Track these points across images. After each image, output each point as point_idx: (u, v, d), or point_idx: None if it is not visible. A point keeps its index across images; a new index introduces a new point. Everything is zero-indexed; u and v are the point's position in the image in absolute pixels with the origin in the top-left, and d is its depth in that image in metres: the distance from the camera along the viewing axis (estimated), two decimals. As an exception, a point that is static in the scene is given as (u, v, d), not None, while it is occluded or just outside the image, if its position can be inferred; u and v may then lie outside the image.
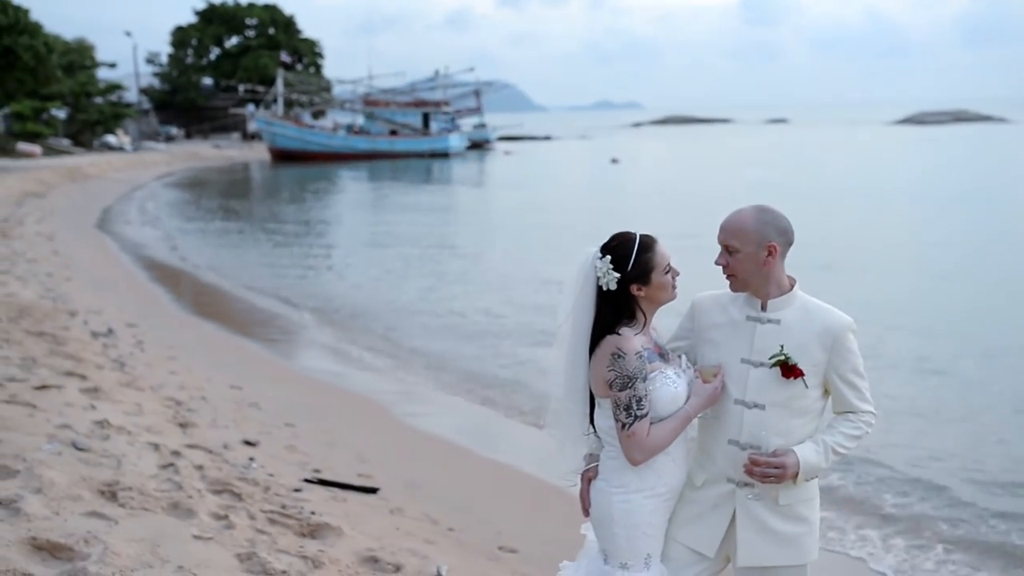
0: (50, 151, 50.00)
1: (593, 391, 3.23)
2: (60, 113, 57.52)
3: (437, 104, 70.94)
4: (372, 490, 6.48)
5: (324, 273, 19.27)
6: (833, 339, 3.11)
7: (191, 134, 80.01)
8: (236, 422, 7.79)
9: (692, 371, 3.23)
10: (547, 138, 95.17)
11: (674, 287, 3.21)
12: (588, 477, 3.32)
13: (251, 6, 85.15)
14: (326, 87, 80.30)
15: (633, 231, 3.22)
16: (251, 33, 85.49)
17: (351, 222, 29.51)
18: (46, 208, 27.59)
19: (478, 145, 73.85)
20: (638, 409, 3.08)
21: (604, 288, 3.16)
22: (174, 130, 77.55)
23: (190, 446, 6.57)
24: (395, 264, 19.94)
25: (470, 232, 25.56)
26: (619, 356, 3.10)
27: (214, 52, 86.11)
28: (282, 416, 8.31)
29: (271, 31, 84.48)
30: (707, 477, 3.22)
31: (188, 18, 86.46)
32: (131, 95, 75.52)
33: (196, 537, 4.82)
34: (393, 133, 67.27)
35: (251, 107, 73.01)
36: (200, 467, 6.05)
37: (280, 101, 68.92)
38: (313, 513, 5.53)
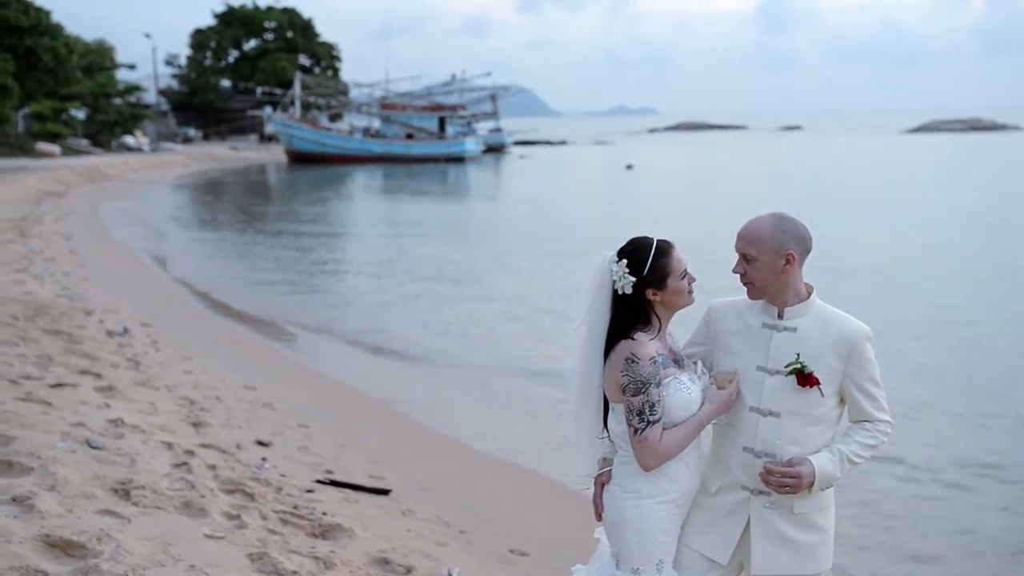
0: (69, 151, 50.35)
1: (607, 395, 3.21)
2: (79, 114, 57.91)
3: (453, 108, 71.04)
4: (384, 492, 6.48)
5: (337, 280, 19.30)
6: (850, 348, 3.09)
7: (209, 135, 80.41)
8: (249, 422, 7.81)
9: (707, 377, 3.21)
10: (562, 143, 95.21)
11: (690, 292, 3.19)
12: (601, 481, 3.30)
13: (270, 9, 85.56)
14: (343, 90, 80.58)
15: (650, 236, 3.20)
16: (269, 36, 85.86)
17: (367, 226, 29.55)
18: (64, 208, 27.77)
19: (494, 149, 73.91)
20: (651, 414, 3.07)
21: (620, 292, 3.15)
22: (192, 131, 77.97)
23: (203, 445, 6.58)
24: (408, 268, 19.95)
25: (486, 240, 25.55)
26: (633, 361, 3.09)
27: (232, 54, 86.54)
28: (295, 417, 8.33)
29: (289, 34, 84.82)
30: (722, 484, 3.20)
31: (207, 20, 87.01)
32: (150, 96, 75.97)
33: (208, 536, 4.82)
34: (409, 137, 67.42)
35: (268, 109, 73.31)
36: (213, 467, 6.06)
37: (297, 104, 69.20)
38: (325, 514, 5.53)
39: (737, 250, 3.16)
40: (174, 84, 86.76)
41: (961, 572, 6.30)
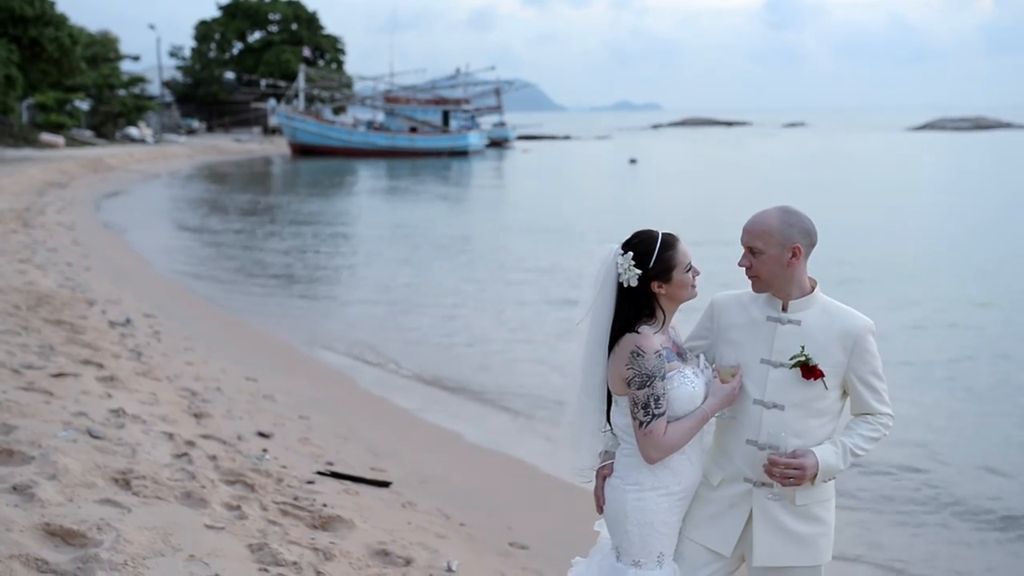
0: (72, 142, 50.38)
1: (611, 388, 3.21)
2: (83, 105, 57.94)
3: (457, 102, 70.97)
4: (384, 484, 6.48)
5: (340, 276, 19.31)
6: (853, 341, 3.09)
7: (212, 128, 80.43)
8: (250, 414, 7.81)
9: (710, 371, 3.21)
10: (566, 138, 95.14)
11: (694, 286, 3.19)
12: (603, 474, 3.30)
13: (274, 2, 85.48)
14: (347, 83, 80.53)
15: (655, 229, 3.20)
16: (274, 28, 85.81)
17: (369, 222, 29.57)
18: (67, 198, 27.79)
19: (497, 144, 73.86)
20: (656, 408, 3.07)
21: (625, 285, 3.14)
22: (196, 123, 77.99)
23: (204, 436, 6.58)
24: (411, 266, 19.94)
25: (484, 231, 25.55)
26: (638, 354, 3.08)
27: (237, 47, 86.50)
28: (296, 409, 8.33)
29: (294, 27, 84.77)
30: (724, 476, 3.19)
31: (212, 13, 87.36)
32: (154, 88, 75.99)
33: (208, 527, 4.82)
34: (413, 130, 67.36)
35: (272, 102, 73.29)
36: (214, 457, 6.06)
37: (301, 96, 69.15)
38: (325, 505, 5.53)
39: (743, 243, 3.15)
40: (178, 76, 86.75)
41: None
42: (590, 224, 24.60)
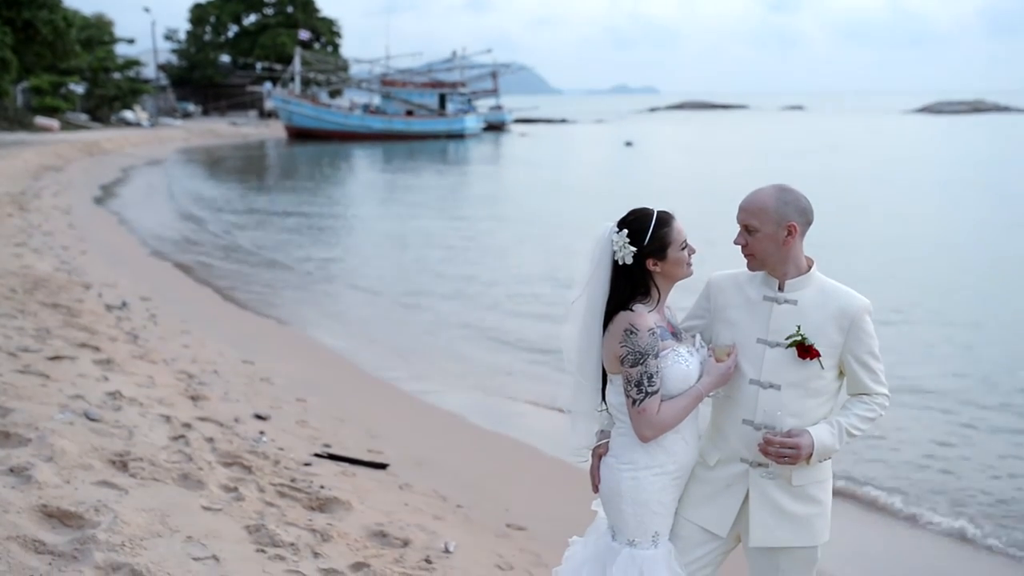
0: (68, 126, 50.19)
1: (605, 367, 3.20)
2: (78, 88, 57.69)
3: (454, 85, 70.76)
4: (382, 466, 6.49)
5: (338, 253, 19.28)
6: (850, 321, 3.08)
7: (208, 111, 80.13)
8: (247, 396, 7.81)
9: (705, 350, 3.20)
10: (563, 121, 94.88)
11: (690, 264, 3.18)
12: (599, 453, 3.30)
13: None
14: (343, 66, 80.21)
15: (651, 207, 3.19)
16: (269, 11, 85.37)
17: (366, 198, 29.51)
18: (63, 182, 27.69)
19: (494, 127, 73.66)
20: (649, 386, 3.06)
21: (620, 262, 3.14)
22: (191, 107, 77.68)
23: (201, 419, 6.59)
24: (406, 245, 19.93)
25: (484, 215, 25.53)
26: (632, 332, 3.07)
27: (232, 29, 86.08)
28: (293, 391, 8.33)
29: (289, 9, 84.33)
30: (721, 457, 3.19)
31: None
32: (149, 71, 75.67)
33: (205, 508, 4.83)
34: (409, 113, 67.16)
35: (268, 85, 72.97)
36: (211, 439, 6.07)
37: (297, 80, 68.89)
38: (322, 487, 5.54)
39: (739, 221, 3.14)
40: (173, 59, 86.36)
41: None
42: (582, 210, 24.57)
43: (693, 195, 26.08)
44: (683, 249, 3.14)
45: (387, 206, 27.72)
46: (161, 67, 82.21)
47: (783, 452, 3.03)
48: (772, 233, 3.08)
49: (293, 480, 5.61)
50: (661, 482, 3.15)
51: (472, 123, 67.98)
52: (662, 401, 3.09)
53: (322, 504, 5.30)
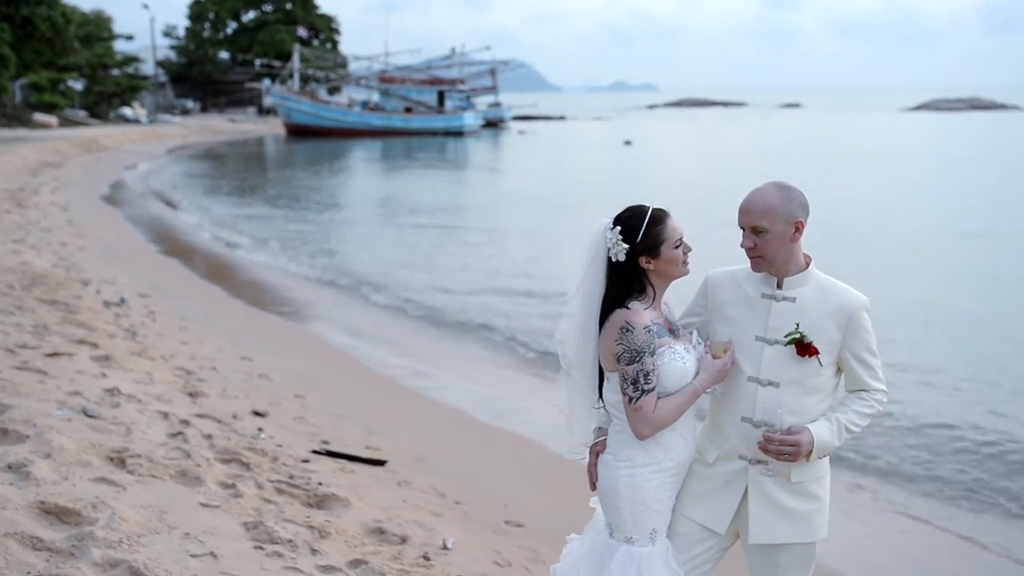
0: (66, 122, 50.14)
1: (602, 364, 3.20)
2: (77, 84, 57.66)
3: (452, 82, 70.74)
4: (380, 462, 6.49)
5: (336, 247, 19.28)
6: (848, 317, 3.08)
7: (207, 108, 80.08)
8: (246, 393, 7.80)
9: (702, 347, 3.20)
10: (561, 118, 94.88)
11: (685, 263, 3.16)
12: (596, 451, 3.30)
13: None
14: (342, 63, 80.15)
15: (646, 204, 3.18)
16: (268, 7, 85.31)
17: (364, 195, 29.49)
18: (61, 178, 27.67)
19: (492, 124, 73.66)
20: (645, 383, 3.06)
21: (614, 259, 3.13)
22: (190, 103, 77.65)
23: (199, 415, 6.58)
24: (406, 240, 19.92)
25: (483, 210, 25.53)
26: (628, 330, 3.07)
27: (231, 26, 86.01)
28: (292, 388, 8.33)
29: (288, 6, 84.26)
30: (719, 454, 3.19)
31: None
32: (148, 68, 75.57)
33: (203, 505, 4.83)
34: (408, 110, 67.14)
35: (267, 82, 72.96)
36: (209, 436, 6.06)
37: (296, 76, 68.87)
38: (320, 484, 5.53)
39: (745, 224, 3.09)
40: (172, 56, 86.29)
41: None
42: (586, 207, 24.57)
43: (692, 194, 26.06)
44: (677, 247, 3.13)
45: (386, 206, 27.69)
46: (160, 64, 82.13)
47: (783, 449, 3.03)
48: (781, 232, 3.06)
49: (291, 477, 5.61)
50: (659, 479, 3.15)
51: (470, 120, 67.96)
52: (659, 399, 3.09)
53: (320, 501, 5.29)
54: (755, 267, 3.15)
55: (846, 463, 7.37)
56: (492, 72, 76.27)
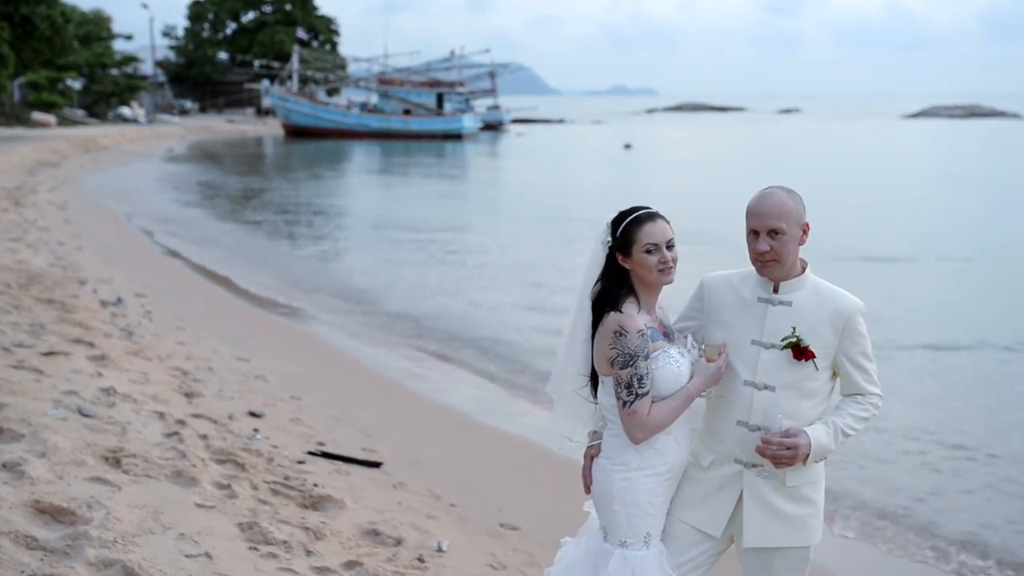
0: (64, 121, 50.10)
1: (596, 368, 3.20)
2: (75, 84, 57.62)
3: (451, 85, 70.72)
4: (375, 464, 6.49)
5: (332, 253, 19.27)
6: (844, 322, 3.09)
7: (205, 108, 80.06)
8: (242, 393, 7.80)
9: (696, 351, 3.20)
10: (560, 121, 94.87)
11: (661, 271, 3.09)
12: (591, 454, 3.30)
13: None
14: (341, 65, 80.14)
15: (645, 206, 3.19)
16: (268, 8, 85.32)
17: (361, 202, 29.49)
18: (59, 177, 27.65)
19: (491, 127, 73.67)
20: (639, 387, 3.06)
21: (603, 251, 3.17)
22: (189, 104, 77.63)
23: (195, 416, 6.58)
24: (403, 245, 19.92)
25: (479, 215, 25.54)
26: (621, 334, 3.07)
27: (230, 27, 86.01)
28: (288, 389, 8.32)
29: (288, 7, 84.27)
30: (715, 458, 3.19)
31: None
32: (147, 68, 75.55)
33: (198, 505, 4.83)
34: (407, 112, 67.12)
35: (266, 83, 72.94)
36: (204, 437, 6.06)
37: (295, 77, 68.86)
38: (316, 485, 5.53)
39: (762, 228, 3.05)
40: (171, 56, 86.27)
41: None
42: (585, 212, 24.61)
43: (691, 199, 26.07)
44: (647, 252, 3.09)
45: (384, 202, 27.69)
46: (159, 64, 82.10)
47: (781, 453, 3.03)
48: (795, 235, 3.09)
49: (287, 478, 5.61)
50: (653, 483, 3.16)
51: (469, 123, 67.93)
52: (653, 403, 3.09)
53: (315, 502, 5.29)
54: (767, 271, 3.11)
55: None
56: (491, 75, 76.25)
